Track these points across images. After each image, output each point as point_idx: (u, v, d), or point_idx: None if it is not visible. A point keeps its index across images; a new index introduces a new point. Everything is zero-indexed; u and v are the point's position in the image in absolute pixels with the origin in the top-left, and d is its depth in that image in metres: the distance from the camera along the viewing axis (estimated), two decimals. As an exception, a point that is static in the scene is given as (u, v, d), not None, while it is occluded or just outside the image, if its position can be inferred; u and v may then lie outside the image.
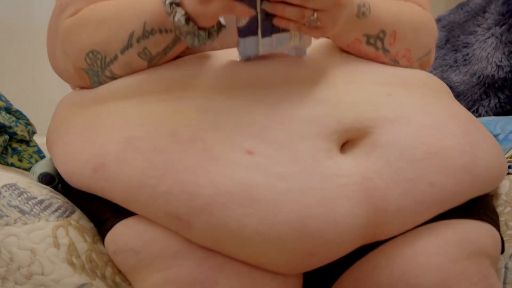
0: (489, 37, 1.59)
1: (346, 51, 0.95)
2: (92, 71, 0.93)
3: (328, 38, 0.94)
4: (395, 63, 0.97)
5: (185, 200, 0.77)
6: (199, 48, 0.89)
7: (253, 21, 0.81)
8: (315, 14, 0.81)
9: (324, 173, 0.78)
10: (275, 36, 0.84)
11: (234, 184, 0.76)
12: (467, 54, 1.62)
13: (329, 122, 0.82)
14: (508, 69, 1.53)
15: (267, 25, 0.82)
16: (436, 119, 0.86)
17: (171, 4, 0.82)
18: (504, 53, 1.54)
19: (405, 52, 0.97)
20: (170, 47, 0.88)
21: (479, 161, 0.85)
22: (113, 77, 0.92)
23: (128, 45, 0.89)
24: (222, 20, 0.86)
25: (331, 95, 0.85)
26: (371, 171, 0.80)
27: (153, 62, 0.90)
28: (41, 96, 2.51)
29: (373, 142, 0.82)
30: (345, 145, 0.83)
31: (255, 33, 0.82)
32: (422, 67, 1.02)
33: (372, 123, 0.83)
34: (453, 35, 1.68)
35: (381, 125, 0.83)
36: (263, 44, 0.84)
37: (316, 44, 0.92)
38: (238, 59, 0.87)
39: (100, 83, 0.94)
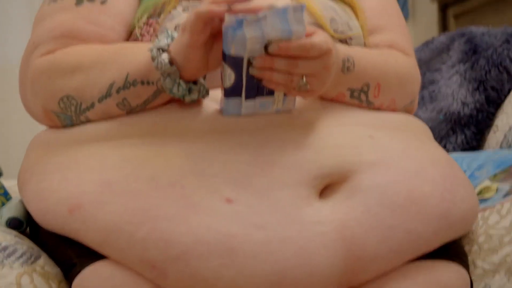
0: (453, 74, 1.61)
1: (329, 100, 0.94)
2: (65, 115, 0.91)
3: None
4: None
5: (162, 248, 0.76)
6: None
7: (238, 83, 0.80)
8: (304, 78, 0.80)
9: (303, 221, 0.77)
10: (259, 100, 0.83)
11: (212, 233, 0.76)
12: (433, 91, 1.64)
13: (310, 168, 0.81)
14: (473, 105, 1.55)
15: (251, 88, 0.81)
16: (417, 164, 0.86)
17: (158, 49, 0.82)
18: (468, 90, 1.56)
19: (390, 103, 0.98)
20: (150, 100, 0.87)
21: (456, 208, 0.86)
22: (89, 121, 0.91)
23: (107, 95, 0.88)
24: (204, 83, 0.86)
25: (313, 139, 0.85)
26: (351, 217, 0.79)
27: (131, 112, 0.89)
28: (9, 139, 2.49)
29: (354, 187, 0.82)
30: (325, 190, 0.83)
31: (240, 95, 0.82)
32: (406, 112, 1.03)
33: (354, 167, 0.83)
34: (419, 72, 1.69)
35: (362, 170, 0.83)
36: (246, 106, 0.83)
37: None
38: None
39: (74, 125, 0.92)
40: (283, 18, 0.77)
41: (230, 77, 0.80)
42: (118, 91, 0.87)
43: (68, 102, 0.90)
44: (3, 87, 2.50)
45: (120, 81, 0.87)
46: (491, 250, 0.94)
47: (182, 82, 0.83)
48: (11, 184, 1.33)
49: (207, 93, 0.86)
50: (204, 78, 0.86)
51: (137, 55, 0.87)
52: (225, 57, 0.79)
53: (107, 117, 0.89)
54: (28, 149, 0.98)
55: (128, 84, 0.86)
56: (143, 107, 0.88)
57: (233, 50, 0.77)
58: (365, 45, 1.02)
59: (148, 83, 0.85)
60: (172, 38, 0.84)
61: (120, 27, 0.96)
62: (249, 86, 0.81)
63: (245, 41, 0.77)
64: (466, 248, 0.96)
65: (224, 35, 0.77)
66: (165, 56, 0.82)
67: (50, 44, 0.94)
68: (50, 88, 0.91)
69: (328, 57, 0.81)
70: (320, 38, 0.80)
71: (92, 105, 0.89)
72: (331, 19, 0.97)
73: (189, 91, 0.84)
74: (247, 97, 0.82)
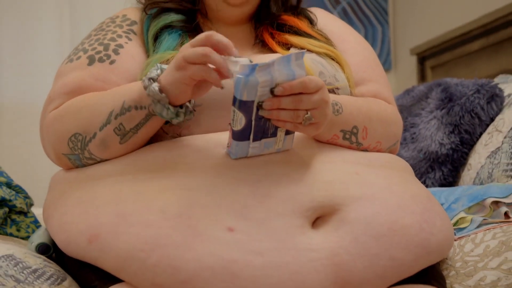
0: (432, 119, 1.62)
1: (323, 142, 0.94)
2: (74, 155, 0.92)
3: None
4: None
5: (170, 274, 0.75)
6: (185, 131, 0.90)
7: (248, 125, 0.81)
8: (309, 113, 0.81)
9: (297, 248, 0.77)
10: (264, 141, 0.83)
11: (216, 260, 0.75)
12: (414, 133, 1.65)
13: (303, 200, 0.81)
14: (449, 146, 1.55)
15: (259, 130, 0.81)
16: (399, 198, 0.86)
17: (149, 79, 0.83)
18: (445, 132, 1.57)
19: (376, 145, 0.98)
20: (142, 123, 0.88)
21: (433, 237, 0.85)
22: (92, 158, 0.91)
23: (107, 122, 0.88)
24: (190, 106, 0.86)
25: (305, 174, 0.85)
26: (340, 246, 0.79)
27: (125, 139, 0.89)
28: (37, 173, 2.49)
29: (342, 219, 0.81)
30: (317, 221, 0.82)
31: (248, 138, 0.82)
32: (390, 153, 1.03)
33: (342, 201, 0.83)
34: (401, 117, 1.70)
35: (349, 203, 0.83)
36: (253, 147, 0.83)
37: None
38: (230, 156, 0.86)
39: (84, 165, 0.93)
40: (287, 64, 0.78)
41: (241, 121, 0.80)
42: (116, 117, 0.88)
43: (75, 140, 0.91)
44: (32, 126, 2.52)
45: (118, 108, 0.88)
46: (467, 275, 0.94)
47: (170, 107, 0.83)
48: (39, 212, 1.33)
49: (192, 114, 0.87)
50: (190, 101, 0.87)
51: (132, 87, 0.89)
52: (237, 103, 0.79)
53: (104, 147, 0.90)
54: (50, 186, 0.98)
55: (124, 110, 0.87)
56: (135, 132, 0.88)
57: (245, 95, 0.78)
58: (351, 94, 1.02)
59: (141, 107, 0.86)
60: (161, 70, 0.85)
61: (126, 82, 0.97)
62: (257, 128, 0.81)
63: (257, 85, 0.77)
64: (445, 272, 0.96)
65: (237, 83, 0.77)
66: (155, 85, 0.83)
67: (61, 98, 0.96)
68: (61, 132, 0.92)
69: (324, 91, 0.82)
70: (315, 77, 0.82)
71: (94, 135, 0.89)
72: (320, 73, 0.98)
73: (177, 114, 0.85)
74: (254, 139, 0.82)
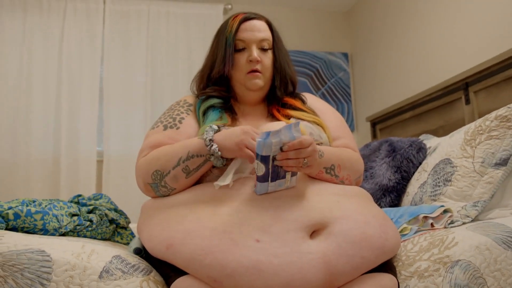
0: (383, 163, 1.61)
1: (314, 178, 0.95)
2: (154, 184, 0.92)
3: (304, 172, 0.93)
4: (341, 183, 0.97)
5: (219, 269, 0.75)
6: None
7: (266, 172, 0.80)
8: (306, 159, 0.82)
9: (300, 252, 0.76)
10: (278, 181, 0.83)
11: (248, 260, 0.75)
12: (372, 173, 1.63)
13: (304, 221, 0.81)
14: (394, 181, 1.53)
15: (274, 174, 0.81)
16: (365, 217, 0.85)
17: (210, 140, 0.86)
18: (391, 172, 1.56)
19: (347, 177, 0.98)
20: (201, 165, 0.89)
21: (388, 242, 0.84)
22: (166, 187, 0.91)
23: (177, 165, 0.89)
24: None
25: (304, 203, 0.84)
26: (328, 250, 0.78)
27: (189, 175, 0.90)
28: (133, 201, 2.51)
29: (329, 232, 0.81)
30: (313, 233, 0.81)
31: (267, 180, 0.81)
32: (356, 184, 1.03)
33: (329, 220, 0.82)
34: (363, 162, 1.68)
35: (333, 221, 0.82)
36: (271, 186, 0.83)
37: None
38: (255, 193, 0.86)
39: (160, 192, 0.93)
40: (290, 130, 0.79)
41: (262, 169, 0.80)
42: (183, 161, 0.89)
43: (156, 174, 0.91)
44: (130, 170, 2.55)
45: (184, 155, 0.89)
46: (409, 264, 0.93)
47: (222, 159, 0.86)
48: (134, 226, 1.34)
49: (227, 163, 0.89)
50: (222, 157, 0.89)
51: (193, 141, 0.90)
52: (259, 157, 0.79)
53: (175, 180, 0.90)
54: (141, 210, 0.99)
55: (189, 157, 0.88)
56: (196, 171, 0.89)
57: (264, 152, 0.78)
58: (330, 145, 1.03)
59: (200, 156, 0.88)
60: (213, 130, 0.87)
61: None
62: (273, 173, 0.81)
63: (271, 144, 0.77)
64: (395, 263, 0.95)
65: (258, 144, 0.77)
66: (215, 147, 0.85)
67: (147, 150, 0.98)
68: (147, 169, 0.93)
69: (314, 145, 0.83)
70: (307, 136, 0.83)
71: (169, 172, 0.90)
72: (310, 133, 0.99)
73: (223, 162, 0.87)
74: (271, 181, 0.82)
